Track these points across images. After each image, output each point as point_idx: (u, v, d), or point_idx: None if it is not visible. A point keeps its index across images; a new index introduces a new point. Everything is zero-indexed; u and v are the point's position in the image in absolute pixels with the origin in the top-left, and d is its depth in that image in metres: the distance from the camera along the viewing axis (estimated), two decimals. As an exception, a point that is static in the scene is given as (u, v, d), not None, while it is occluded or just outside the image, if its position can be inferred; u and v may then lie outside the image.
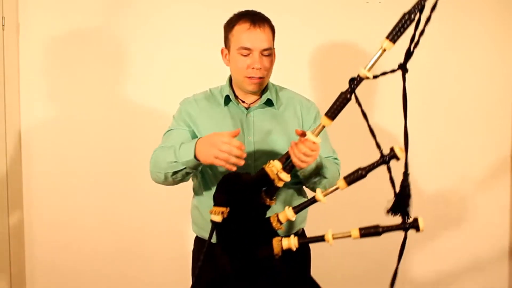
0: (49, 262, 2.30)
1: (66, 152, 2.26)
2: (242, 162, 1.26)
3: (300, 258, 1.48)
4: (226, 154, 1.24)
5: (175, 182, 1.44)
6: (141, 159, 2.25)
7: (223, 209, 1.27)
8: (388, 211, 1.26)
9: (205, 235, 1.48)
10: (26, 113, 2.24)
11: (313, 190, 1.46)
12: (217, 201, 1.29)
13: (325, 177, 1.45)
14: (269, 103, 1.53)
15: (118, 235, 2.30)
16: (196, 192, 1.57)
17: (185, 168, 1.35)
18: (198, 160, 1.31)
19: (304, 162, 1.29)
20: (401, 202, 1.24)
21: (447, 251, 2.39)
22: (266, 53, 1.45)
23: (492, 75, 2.34)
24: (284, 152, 1.33)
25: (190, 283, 1.62)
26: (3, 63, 2.15)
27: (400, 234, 2.38)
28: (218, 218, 1.27)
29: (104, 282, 2.32)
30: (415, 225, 1.21)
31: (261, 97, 1.53)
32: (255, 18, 1.45)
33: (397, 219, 1.25)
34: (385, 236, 2.32)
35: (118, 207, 2.29)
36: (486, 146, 2.36)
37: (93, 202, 2.28)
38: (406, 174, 1.21)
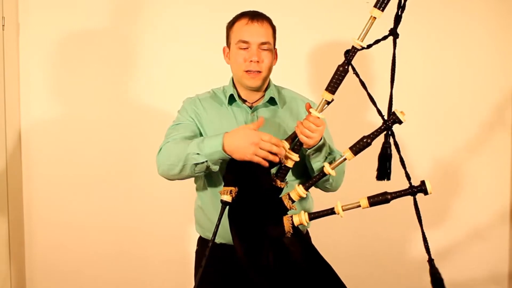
0: (49, 262, 2.28)
1: (66, 152, 2.26)
2: (277, 159, 1.30)
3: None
4: (266, 152, 1.28)
5: (189, 176, 1.42)
6: (142, 159, 2.26)
7: (231, 188, 1.30)
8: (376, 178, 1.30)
9: (210, 236, 1.48)
10: (26, 113, 2.24)
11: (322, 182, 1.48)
12: (226, 181, 1.32)
13: (332, 158, 1.46)
14: (272, 102, 1.54)
15: (119, 235, 2.29)
16: (200, 192, 1.57)
17: (206, 161, 1.33)
18: (227, 154, 1.30)
19: (309, 137, 1.32)
20: (384, 164, 1.26)
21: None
22: (264, 47, 1.46)
23: (492, 75, 2.36)
24: None
25: (193, 283, 1.62)
26: (3, 63, 2.15)
27: (398, 233, 2.37)
28: (227, 198, 1.30)
29: (104, 282, 2.30)
30: (422, 189, 1.21)
31: (264, 96, 1.54)
32: (255, 15, 1.49)
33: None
34: (384, 237, 2.34)
35: (119, 207, 2.28)
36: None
37: (93, 202, 2.27)
38: (387, 135, 1.25)
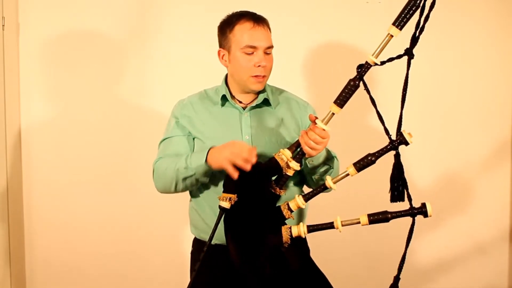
0: (49, 262, 2.29)
1: (66, 152, 2.26)
2: (248, 167, 1.28)
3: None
4: (235, 155, 1.27)
5: (184, 190, 1.48)
6: (140, 159, 2.26)
7: (231, 195, 1.30)
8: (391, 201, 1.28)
9: (205, 237, 1.49)
10: (26, 113, 2.24)
11: (317, 183, 1.48)
12: (226, 188, 1.32)
13: (332, 168, 1.47)
14: (265, 102, 1.53)
15: (118, 235, 2.30)
16: (194, 194, 1.56)
17: (194, 174, 1.38)
18: (209, 165, 1.35)
19: (314, 149, 1.31)
20: (397, 186, 1.26)
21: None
22: (268, 51, 1.46)
23: (492, 74, 2.35)
24: None
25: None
26: (3, 63, 2.15)
27: (398, 233, 2.38)
28: (226, 205, 1.30)
29: (104, 282, 2.31)
30: (423, 211, 1.22)
31: (257, 96, 1.53)
32: (256, 17, 1.47)
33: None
34: (384, 236, 2.34)
35: (118, 208, 2.29)
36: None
37: (92, 202, 2.27)
38: (397, 156, 1.24)
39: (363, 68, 1.24)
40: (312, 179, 1.51)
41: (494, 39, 2.33)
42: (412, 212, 1.23)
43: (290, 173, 1.34)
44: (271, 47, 1.46)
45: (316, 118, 1.32)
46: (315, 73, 2.30)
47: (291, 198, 1.50)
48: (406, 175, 1.26)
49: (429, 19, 2.39)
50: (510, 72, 2.35)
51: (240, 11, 1.49)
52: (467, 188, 2.38)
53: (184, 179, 1.41)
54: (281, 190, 1.36)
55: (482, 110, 2.36)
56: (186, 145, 1.50)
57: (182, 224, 2.16)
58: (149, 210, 2.29)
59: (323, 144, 1.32)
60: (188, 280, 1.62)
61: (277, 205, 1.36)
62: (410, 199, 1.24)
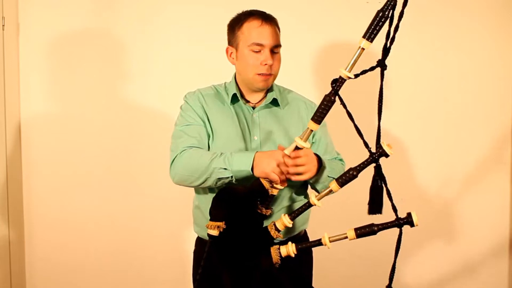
0: (49, 262, 2.30)
1: (66, 152, 2.26)
2: (285, 185, 1.30)
3: (302, 261, 1.48)
4: (282, 169, 1.27)
5: (208, 186, 1.42)
6: (141, 158, 2.26)
7: (219, 223, 1.28)
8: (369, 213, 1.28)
9: (206, 235, 1.48)
10: (26, 113, 2.25)
11: (318, 191, 1.48)
12: (214, 216, 1.30)
13: (333, 178, 1.44)
14: (274, 102, 1.53)
15: (118, 235, 2.30)
16: (198, 192, 1.56)
17: (232, 177, 1.33)
18: (253, 172, 1.31)
19: (301, 174, 1.30)
20: (376, 198, 1.25)
21: (445, 251, 2.38)
22: (276, 50, 1.46)
23: (492, 75, 2.33)
24: None
25: (191, 283, 1.62)
26: (3, 63, 2.15)
27: (396, 235, 2.38)
28: (214, 232, 1.29)
29: (104, 281, 2.32)
30: (409, 221, 1.21)
31: (266, 96, 1.53)
32: (265, 16, 1.47)
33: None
34: (384, 237, 2.34)
35: (118, 207, 2.29)
36: (484, 145, 2.35)
37: (93, 202, 2.28)
38: (378, 167, 1.23)
39: (337, 83, 1.23)
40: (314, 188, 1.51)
41: (494, 39, 2.32)
42: (399, 223, 1.22)
43: (275, 192, 1.33)
44: (278, 46, 1.46)
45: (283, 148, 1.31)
46: (314, 73, 2.30)
47: (287, 196, 1.51)
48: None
49: (429, 19, 2.38)
50: (510, 72, 2.34)
51: (249, 10, 1.49)
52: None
53: (219, 179, 1.35)
54: (267, 210, 1.35)
55: (482, 112, 2.33)
56: (206, 136, 1.47)
57: (185, 223, 2.16)
58: (150, 209, 2.30)
59: (310, 164, 1.31)
60: (190, 278, 1.63)
61: (265, 225, 1.35)
62: (395, 210, 1.22)
